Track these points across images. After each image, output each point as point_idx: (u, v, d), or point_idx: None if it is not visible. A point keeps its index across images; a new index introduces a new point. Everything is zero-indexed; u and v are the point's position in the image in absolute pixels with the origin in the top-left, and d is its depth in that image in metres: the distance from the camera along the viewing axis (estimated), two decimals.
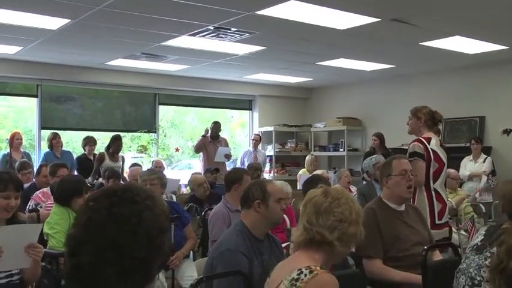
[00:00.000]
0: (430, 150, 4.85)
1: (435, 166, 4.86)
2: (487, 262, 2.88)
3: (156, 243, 1.59)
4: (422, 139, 4.91)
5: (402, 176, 3.89)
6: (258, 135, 11.41)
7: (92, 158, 8.98)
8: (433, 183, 4.83)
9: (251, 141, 11.14)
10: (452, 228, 6.75)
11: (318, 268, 2.17)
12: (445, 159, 4.99)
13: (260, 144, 11.78)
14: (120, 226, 1.53)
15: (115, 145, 8.84)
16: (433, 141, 4.95)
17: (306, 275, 2.15)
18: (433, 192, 4.79)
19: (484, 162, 8.73)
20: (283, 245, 3.91)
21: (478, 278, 2.88)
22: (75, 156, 9.30)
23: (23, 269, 3.32)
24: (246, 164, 10.27)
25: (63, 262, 4.07)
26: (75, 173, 8.73)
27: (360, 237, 2.33)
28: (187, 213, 5.60)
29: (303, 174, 9.75)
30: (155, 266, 1.60)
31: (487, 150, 9.14)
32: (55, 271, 4.19)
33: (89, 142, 9.23)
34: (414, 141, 4.95)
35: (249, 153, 10.90)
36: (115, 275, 1.51)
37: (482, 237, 3.07)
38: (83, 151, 9.23)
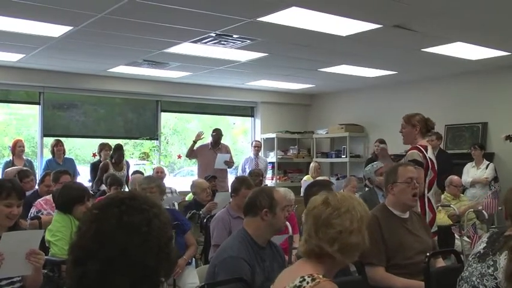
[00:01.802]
0: (428, 158, 4.83)
1: (431, 175, 4.83)
2: (489, 270, 2.86)
3: (165, 251, 1.60)
4: (420, 147, 4.87)
5: (408, 184, 3.85)
6: (259, 141, 11.40)
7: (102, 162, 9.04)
8: (428, 191, 4.79)
9: (252, 148, 11.13)
10: (455, 234, 6.75)
11: (321, 276, 2.17)
12: (436, 169, 4.98)
13: (262, 151, 11.78)
14: (131, 235, 1.54)
15: (117, 155, 8.88)
16: (429, 149, 4.94)
17: (308, 283, 2.15)
18: (426, 201, 4.75)
19: (486, 168, 8.71)
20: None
21: (481, 287, 2.87)
22: (84, 162, 9.35)
23: (25, 277, 3.31)
24: (248, 171, 10.26)
25: (65, 270, 4.06)
26: (87, 179, 8.97)
27: (364, 245, 2.30)
28: (187, 221, 5.61)
29: (307, 180, 9.77)
30: (163, 273, 1.61)
31: (490, 157, 9.12)
32: (57, 278, 4.20)
33: (104, 148, 9.30)
34: (412, 148, 4.90)
35: (250, 160, 10.90)
36: (125, 284, 1.51)
37: (485, 244, 3.05)
38: (86, 158, 9.26)
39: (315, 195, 2.44)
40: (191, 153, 9.98)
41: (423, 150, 4.84)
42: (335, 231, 2.25)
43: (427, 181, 4.77)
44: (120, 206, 1.58)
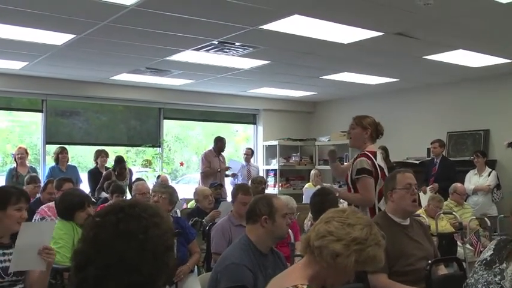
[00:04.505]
0: (377, 166, 4.63)
1: (381, 184, 4.54)
2: (496, 279, 2.85)
3: (162, 260, 1.61)
4: (368, 154, 4.66)
5: (407, 190, 3.81)
6: (250, 149, 11.40)
7: (104, 171, 9.05)
8: (378, 202, 4.57)
9: (243, 155, 11.20)
10: (458, 242, 6.73)
11: (305, 287, 2.16)
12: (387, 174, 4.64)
13: (264, 159, 11.82)
14: (128, 242, 1.56)
15: (119, 168, 8.85)
16: (378, 156, 4.73)
17: None
18: (377, 212, 4.49)
19: (488, 175, 8.70)
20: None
21: None
22: (86, 170, 9.37)
23: (30, 280, 3.33)
24: (240, 178, 10.36)
25: (68, 277, 4.07)
26: (87, 186, 8.98)
27: (348, 270, 2.22)
28: (192, 229, 5.62)
29: (308, 188, 9.77)
30: (160, 282, 1.62)
31: (492, 164, 9.11)
32: (59, 286, 4.19)
33: (100, 154, 9.32)
34: (361, 156, 4.68)
35: (242, 167, 10.93)
36: None
37: (492, 251, 3.03)
38: (88, 165, 9.27)
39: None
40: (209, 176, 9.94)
41: (372, 157, 4.64)
42: (325, 229, 2.23)
43: (377, 190, 4.56)
44: (118, 214, 1.60)
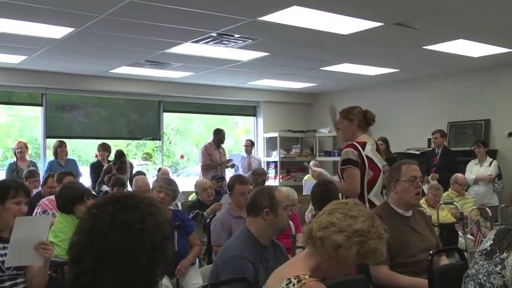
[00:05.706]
0: (364, 156, 4.56)
1: (370, 174, 4.55)
2: (497, 268, 2.84)
3: (160, 250, 1.60)
4: (356, 144, 4.61)
5: (411, 182, 3.78)
6: (250, 140, 11.33)
7: (105, 165, 9.05)
8: (368, 193, 4.55)
9: (244, 147, 11.16)
10: (459, 232, 6.73)
11: (307, 277, 2.17)
12: (381, 165, 4.67)
13: (265, 150, 11.78)
14: (124, 233, 1.55)
15: (119, 162, 8.83)
16: (368, 146, 4.64)
17: (294, 285, 2.16)
18: (367, 204, 4.47)
19: (490, 165, 8.69)
20: None
21: (488, 285, 2.84)
22: (87, 163, 9.38)
23: (30, 277, 3.33)
24: (240, 170, 10.34)
25: (68, 270, 4.07)
26: (88, 179, 8.99)
27: (349, 262, 2.23)
28: (192, 222, 5.62)
29: (308, 179, 9.74)
30: (158, 272, 1.61)
31: (493, 154, 9.10)
32: (60, 280, 4.20)
33: (99, 148, 9.32)
34: (347, 146, 4.63)
35: (242, 159, 10.90)
36: (118, 281, 1.52)
37: (492, 241, 3.02)
38: (89, 159, 9.27)
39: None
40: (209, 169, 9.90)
41: (359, 147, 4.58)
42: (328, 220, 2.25)
43: (365, 181, 4.53)
44: (115, 205, 1.60)
